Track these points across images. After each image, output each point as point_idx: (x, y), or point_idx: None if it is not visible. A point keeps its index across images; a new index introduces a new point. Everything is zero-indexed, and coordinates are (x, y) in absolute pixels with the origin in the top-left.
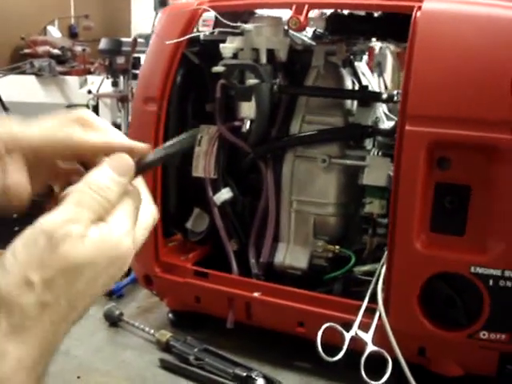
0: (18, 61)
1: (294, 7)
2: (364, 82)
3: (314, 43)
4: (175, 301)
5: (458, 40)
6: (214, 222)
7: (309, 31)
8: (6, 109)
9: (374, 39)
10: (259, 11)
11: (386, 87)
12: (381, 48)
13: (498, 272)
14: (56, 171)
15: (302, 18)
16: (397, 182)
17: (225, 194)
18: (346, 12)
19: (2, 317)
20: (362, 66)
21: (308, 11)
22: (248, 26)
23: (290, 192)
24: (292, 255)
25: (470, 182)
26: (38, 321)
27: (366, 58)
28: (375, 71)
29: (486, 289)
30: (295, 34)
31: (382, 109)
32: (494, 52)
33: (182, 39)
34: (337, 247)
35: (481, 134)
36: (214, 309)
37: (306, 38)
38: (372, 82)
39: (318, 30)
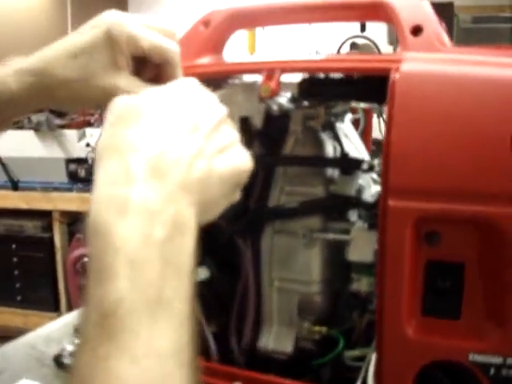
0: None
1: (264, 73)
2: (347, 145)
3: (292, 107)
4: None
5: (443, 103)
6: None
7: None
8: (3, 165)
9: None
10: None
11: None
12: None
13: (499, 360)
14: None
15: (273, 84)
16: (382, 261)
17: (201, 273)
18: (320, 75)
19: None
20: (345, 126)
21: (279, 76)
22: (219, 94)
23: (271, 269)
24: (276, 338)
25: (463, 258)
26: None
27: (349, 116)
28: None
29: (487, 378)
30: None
31: (368, 175)
32: (486, 115)
33: None
34: (324, 328)
35: (474, 207)
36: None
37: (284, 102)
38: (357, 144)
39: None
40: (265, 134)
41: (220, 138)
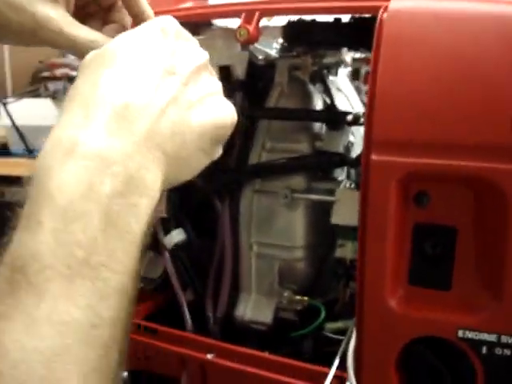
0: (38, 84)
1: (243, 15)
2: (339, 100)
3: (277, 56)
4: None
5: (437, 45)
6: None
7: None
8: (19, 133)
9: (344, 49)
10: (217, 22)
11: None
12: None
13: (492, 337)
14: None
15: (251, 27)
16: (364, 223)
17: (176, 235)
18: (308, 18)
19: None
20: (338, 80)
21: (259, 19)
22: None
23: (249, 233)
24: (255, 308)
25: (455, 222)
26: None
27: (346, 70)
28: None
29: (478, 358)
30: (257, 46)
31: (362, 130)
32: (488, 58)
33: None
34: (305, 298)
35: (469, 163)
36: (166, 370)
37: (272, 51)
38: (351, 99)
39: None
40: (247, 85)
41: (199, 86)
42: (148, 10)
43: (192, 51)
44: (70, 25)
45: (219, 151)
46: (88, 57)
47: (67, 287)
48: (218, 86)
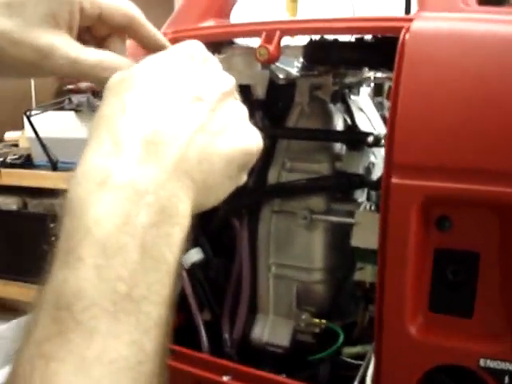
0: (62, 97)
1: (263, 35)
2: (360, 120)
3: (298, 75)
4: None
5: (459, 67)
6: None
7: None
8: (43, 145)
9: (365, 68)
10: (238, 41)
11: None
12: None
13: None
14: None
15: (271, 47)
16: (383, 247)
17: (194, 255)
18: (330, 38)
19: None
20: (360, 100)
21: (280, 39)
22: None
23: (268, 254)
24: (272, 330)
25: (478, 247)
26: None
27: (368, 89)
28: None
29: None
30: (279, 65)
31: (383, 151)
32: (508, 81)
33: None
34: (323, 321)
35: (494, 188)
36: None
37: (293, 70)
38: (373, 119)
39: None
40: (267, 104)
41: (226, 113)
42: (161, 38)
43: (219, 77)
44: (77, 49)
45: (244, 177)
46: (113, 80)
47: (113, 324)
48: (243, 111)
